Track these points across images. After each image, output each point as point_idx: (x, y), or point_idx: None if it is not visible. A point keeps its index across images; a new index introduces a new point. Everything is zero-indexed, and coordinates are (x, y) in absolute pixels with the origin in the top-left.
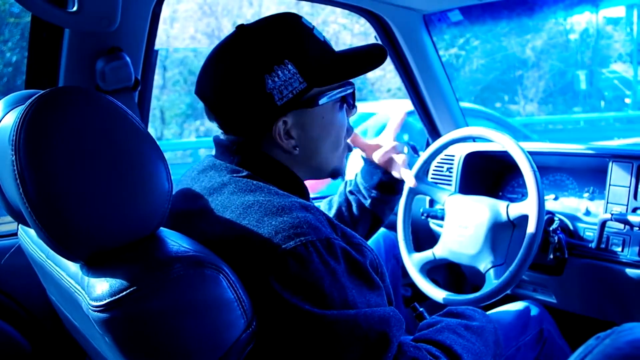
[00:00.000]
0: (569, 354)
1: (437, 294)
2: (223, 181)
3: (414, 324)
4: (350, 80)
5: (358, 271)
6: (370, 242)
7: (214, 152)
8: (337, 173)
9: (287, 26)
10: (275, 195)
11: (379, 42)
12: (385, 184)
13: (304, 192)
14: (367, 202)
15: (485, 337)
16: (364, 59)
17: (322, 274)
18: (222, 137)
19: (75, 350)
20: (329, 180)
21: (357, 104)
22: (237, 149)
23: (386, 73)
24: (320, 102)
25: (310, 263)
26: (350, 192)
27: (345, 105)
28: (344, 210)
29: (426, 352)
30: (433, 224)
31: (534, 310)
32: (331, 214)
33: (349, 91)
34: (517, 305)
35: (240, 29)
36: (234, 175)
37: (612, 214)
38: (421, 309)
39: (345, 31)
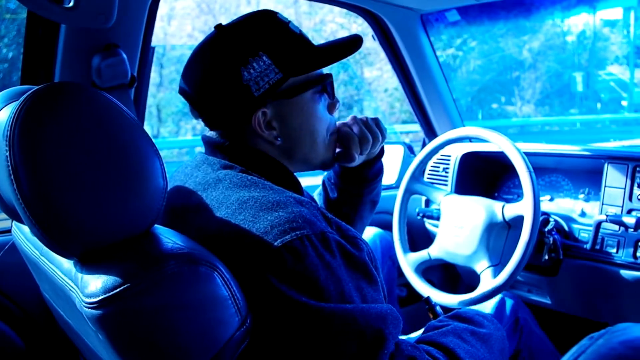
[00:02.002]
0: (547, 342)
1: (432, 294)
2: (218, 177)
3: (409, 325)
4: (328, 72)
5: (354, 264)
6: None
7: (204, 150)
8: (327, 164)
9: (261, 21)
10: (270, 191)
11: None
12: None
13: (297, 187)
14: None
15: (491, 345)
16: (337, 48)
17: (318, 268)
18: (209, 134)
19: (69, 348)
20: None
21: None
22: (226, 146)
23: (383, 73)
24: (298, 92)
25: (306, 257)
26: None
27: (325, 97)
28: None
29: (424, 353)
30: (429, 224)
31: (509, 302)
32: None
33: (326, 81)
34: (492, 299)
35: (219, 28)
36: (228, 170)
37: (607, 216)
38: (434, 303)
39: (342, 30)
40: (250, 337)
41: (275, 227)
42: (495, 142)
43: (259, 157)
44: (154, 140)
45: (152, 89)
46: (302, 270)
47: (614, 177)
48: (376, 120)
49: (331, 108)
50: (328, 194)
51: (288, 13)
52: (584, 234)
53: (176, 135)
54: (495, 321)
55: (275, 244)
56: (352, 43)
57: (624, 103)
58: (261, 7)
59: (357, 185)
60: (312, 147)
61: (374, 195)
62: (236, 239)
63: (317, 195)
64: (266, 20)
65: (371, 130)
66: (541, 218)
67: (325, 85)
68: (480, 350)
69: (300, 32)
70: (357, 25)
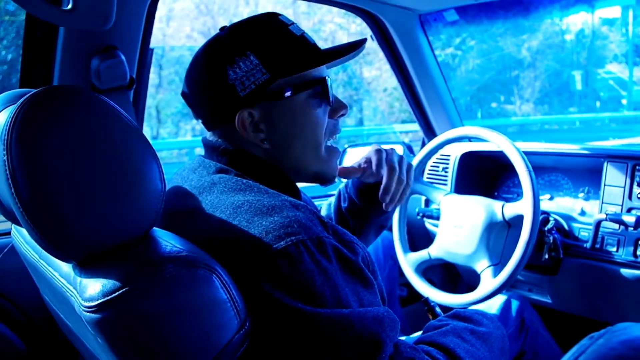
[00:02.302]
0: (552, 344)
1: (433, 294)
2: (212, 180)
3: (410, 325)
4: (324, 75)
5: (350, 269)
6: None
7: (203, 153)
8: (323, 178)
9: (257, 22)
10: (265, 195)
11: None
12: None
13: (294, 191)
14: (344, 205)
15: (491, 343)
16: (333, 50)
17: (314, 273)
18: (208, 137)
19: (69, 350)
20: None
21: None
22: (222, 149)
23: (382, 73)
24: (287, 94)
25: (302, 263)
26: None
27: (325, 103)
28: (334, 207)
29: (424, 354)
30: (429, 223)
31: (515, 303)
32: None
33: (321, 85)
34: (497, 300)
35: (222, 30)
36: (223, 174)
37: (607, 214)
38: (433, 303)
39: (341, 31)
40: (249, 341)
41: (270, 233)
42: (494, 141)
43: (253, 161)
44: (153, 141)
45: (151, 90)
46: (297, 277)
47: (613, 176)
48: (409, 167)
49: (332, 113)
50: (340, 203)
51: (287, 13)
52: (584, 233)
53: (175, 136)
54: (495, 319)
55: (270, 250)
56: (351, 46)
57: (624, 101)
58: (259, 8)
59: (371, 203)
60: (302, 154)
61: (383, 219)
62: (231, 244)
63: (329, 204)
64: (264, 21)
65: (402, 173)
66: (541, 217)
67: (326, 88)
68: (480, 350)
69: (302, 34)
70: (356, 25)
